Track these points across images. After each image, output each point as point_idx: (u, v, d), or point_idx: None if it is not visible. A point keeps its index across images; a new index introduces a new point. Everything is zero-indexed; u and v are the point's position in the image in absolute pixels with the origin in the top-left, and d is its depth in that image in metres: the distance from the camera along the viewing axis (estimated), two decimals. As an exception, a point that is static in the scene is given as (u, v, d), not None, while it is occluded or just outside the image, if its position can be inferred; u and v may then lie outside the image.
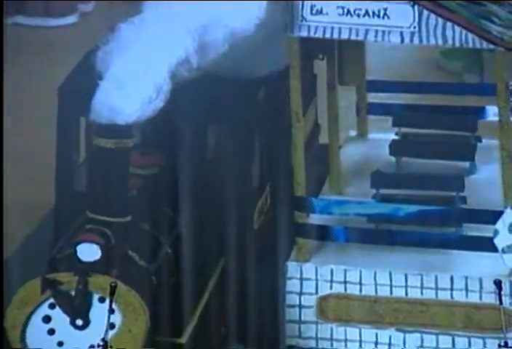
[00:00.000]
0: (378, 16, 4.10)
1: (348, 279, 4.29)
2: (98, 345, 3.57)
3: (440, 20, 4.12)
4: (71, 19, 7.00)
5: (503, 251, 3.92)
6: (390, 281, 4.27)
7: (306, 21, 4.13)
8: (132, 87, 3.73)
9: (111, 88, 3.74)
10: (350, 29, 4.12)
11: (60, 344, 3.76)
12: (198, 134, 4.08)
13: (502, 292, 3.62)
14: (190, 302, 4.00)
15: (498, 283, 3.63)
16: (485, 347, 4.23)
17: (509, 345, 3.83)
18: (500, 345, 3.63)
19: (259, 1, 3.97)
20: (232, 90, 4.05)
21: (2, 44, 4.29)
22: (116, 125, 3.73)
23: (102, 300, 3.78)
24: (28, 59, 6.48)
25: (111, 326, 3.77)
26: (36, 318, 3.77)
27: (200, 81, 3.87)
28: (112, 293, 3.53)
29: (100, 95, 3.74)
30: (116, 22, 3.89)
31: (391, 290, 4.27)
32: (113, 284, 3.50)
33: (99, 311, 3.76)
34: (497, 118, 4.32)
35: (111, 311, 3.57)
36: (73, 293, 3.76)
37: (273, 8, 4.04)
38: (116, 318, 3.77)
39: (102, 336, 3.73)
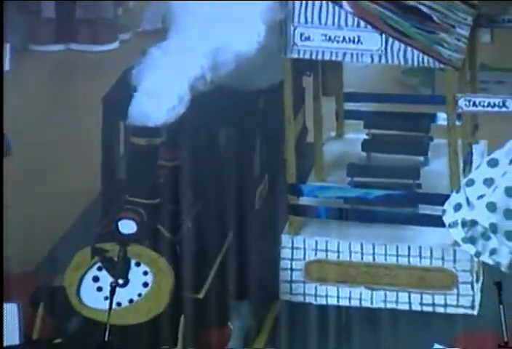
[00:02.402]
0: (353, 42, 4.11)
1: (328, 248, 4.30)
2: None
3: (402, 45, 4.12)
4: (113, 45, 7.01)
5: (449, 226, 3.90)
6: (361, 249, 4.28)
7: (297, 46, 4.15)
8: (159, 98, 3.76)
9: (143, 98, 3.77)
10: (331, 52, 4.14)
11: (106, 298, 3.77)
12: (212, 134, 4.10)
13: (502, 292, 3.37)
14: (205, 266, 4.01)
15: (498, 284, 3.42)
16: (433, 301, 4.24)
17: (458, 302, 3.78)
18: (499, 345, 3.40)
19: (259, 29, 3.97)
20: (238, 100, 4.07)
21: (2, 45, 4.13)
22: (147, 127, 3.76)
23: (138, 265, 3.80)
24: (79, 77, 6.50)
25: (145, 284, 3.77)
26: (88, 278, 3.79)
27: (213, 92, 3.89)
28: (112, 292, 3.47)
29: (134, 104, 3.77)
30: (147, 47, 3.90)
31: (362, 257, 4.28)
32: (113, 284, 3.47)
33: (135, 273, 3.77)
34: (445, 123, 4.33)
35: (111, 303, 3.45)
36: (115, 258, 3.78)
37: (271, 35, 4.06)
38: (149, 278, 3.78)
39: (138, 292, 3.75)
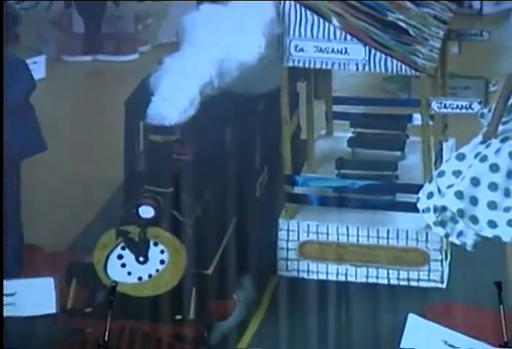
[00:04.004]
0: (341, 52, 4.12)
1: (319, 231, 4.32)
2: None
3: (383, 55, 4.13)
4: (134, 56, 6.99)
5: (423, 211, 3.92)
6: (347, 232, 4.30)
7: (292, 56, 4.17)
8: (173, 101, 3.76)
9: (160, 101, 3.77)
10: (322, 61, 4.16)
11: (129, 273, 3.80)
12: (218, 132, 4.09)
13: (501, 293, 3.08)
14: (214, 246, 4.01)
15: (498, 284, 3.19)
16: (408, 277, 4.25)
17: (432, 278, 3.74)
18: (499, 345, 3.18)
19: (260, 41, 3.97)
20: (241, 103, 4.08)
21: (2, 44, 4.02)
22: (163, 126, 3.77)
23: (156, 244, 3.80)
24: (104, 83, 6.49)
25: (162, 261, 3.78)
26: (113, 256, 3.80)
27: (219, 96, 3.89)
28: (112, 292, 3.37)
29: (152, 106, 3.78)
30: (163, 57, 3.89)
31: (348, 238, 4.30)
32: (113, 284, 3.42)
33: (154, 252, 3.79)
34: (420, 122, 4.34)
35: (111, 303, 3.29)
36: (136, 239, 3.78)
37: (269, 47, 4.06)
38: (165, 256, 3.79)
39: (156, 268, 3.74)
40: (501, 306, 3.18)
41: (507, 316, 3.23)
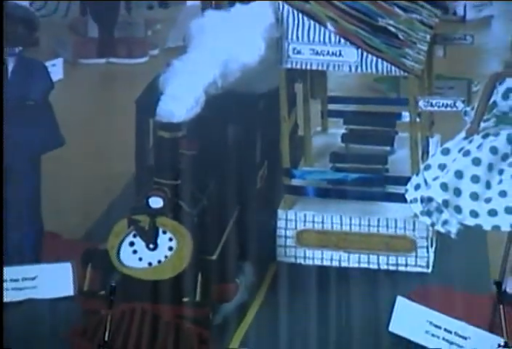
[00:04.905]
0: (335, 55, 4.12)
1: (315, 220, 4.33)
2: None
3: (374, 58, 4.12)
4: (144, 59, 7.00)
5: (410, 202, 3.92)
6: (341, 221, 4.31)
7: (290, 58, 4.16)
8: (180, 100, 3.76)
9: (168, 100, 3.77)
10: (318, 63, 4.15)
11: (140, 259, 3.80)
12: (222, 129, 4.09)
13: (501, 292, 2.93)
14: (218, 234, 4.02)
15: (498, 284, 3.10)
16: (397, 262, 4.26)
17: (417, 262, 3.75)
18: (499, 345, 3.04)
19: (260, 44, 3.97)
20: (243, 102, 4.08)
21: (2, 45, 3.98)
22: (171, 123, 3.77)
23: (164, 232, 3.81)
24: (117, 84, 6.50)
25: (170, 248, 3.78)
26: (125, 243, 3.81)
27: (222, 95, 3.90)
28: (112, 292, 3.37)
29: (161, 105, 3.78)
30: (171, 59, 3.89)
31: (341, 227, 4.31)
32: (113, 284, 3.42)
33: (163, 239, 3.79)
34: (408, 120, 4.34)
35: (111, 304, 3.28)
36: (146, 228, 3.79)
37: (269, 49, 4.06)
38: (173, 244, 3.80)
39: (165, 254, 3.74)
40: (501, 306, 2.98)
41: (489, 300, 3.19)
